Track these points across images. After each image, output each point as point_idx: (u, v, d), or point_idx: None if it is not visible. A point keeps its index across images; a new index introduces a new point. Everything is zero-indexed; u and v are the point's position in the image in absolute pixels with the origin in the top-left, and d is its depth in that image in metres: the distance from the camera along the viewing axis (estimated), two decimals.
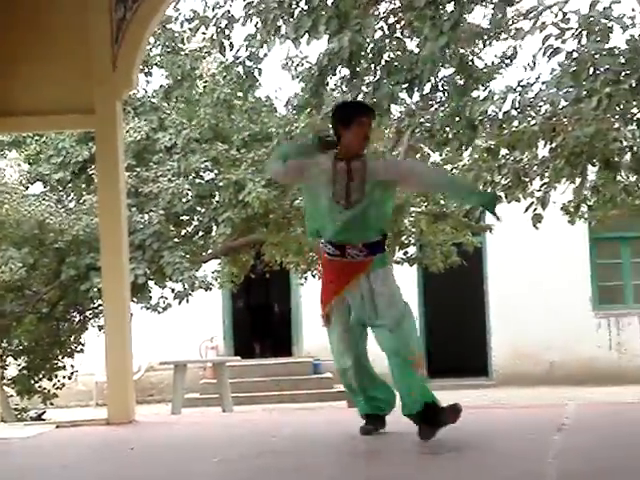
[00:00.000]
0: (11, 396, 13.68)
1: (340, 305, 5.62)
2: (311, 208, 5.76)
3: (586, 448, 5.11)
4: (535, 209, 9.00)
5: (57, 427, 7.17)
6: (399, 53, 8.72)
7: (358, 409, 5.93)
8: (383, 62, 8.61)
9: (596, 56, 8.49)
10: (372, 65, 8.74)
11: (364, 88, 8.94)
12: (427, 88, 9.19)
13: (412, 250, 14.35)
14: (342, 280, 5.55)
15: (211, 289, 13.68)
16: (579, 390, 16.14)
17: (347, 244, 5.53)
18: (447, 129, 9.46)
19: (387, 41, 8.71)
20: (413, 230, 13.71)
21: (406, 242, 13.73)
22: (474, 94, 9.45)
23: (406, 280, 17.51)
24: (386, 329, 5.48)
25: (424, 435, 5.37)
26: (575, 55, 8.58)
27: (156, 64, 13.88)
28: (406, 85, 8.52)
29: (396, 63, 8.62)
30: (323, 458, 5.13)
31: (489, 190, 8.93)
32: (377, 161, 6.31)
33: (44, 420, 12.49)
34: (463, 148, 9.45)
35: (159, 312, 13.48)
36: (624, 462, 4.57)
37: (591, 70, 8.55)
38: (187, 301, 13.34)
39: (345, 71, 9.42)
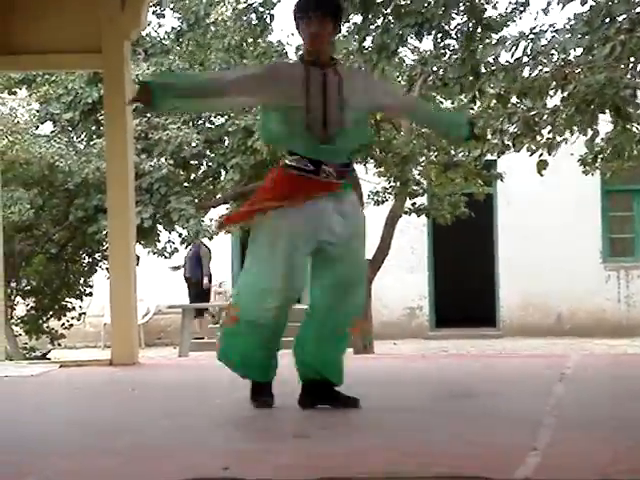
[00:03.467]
0: (19, 335, 13.77)
1: (295, 217, 4.54)
2: (277, 124, 4.66)
3: (584, 397, 5.16)
4: (541, 154, 8.86)
5: (61, 366, 7.20)
6: None
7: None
8: (393, 5, 8.48)
9: (611, 3, 8.37)
10: (382, 9, 8.61)
11: (373, 31, 8.82)
12: (438, 34, 9.08)
13: (420, 201, 14.26)
14: (302, 194, 4.56)
15: (213, 238, 13.64)
16: (586, 342, 16.16)
17: (324, 161, 4.61)
18: (458, 78, 9.36)
19: None
20: (423, 180, 13.64)
21: (415, 192, 13.65)
22: (486, 42, 9.34)
23: (415, 229, 17.57)
24: (343, 264, 4.63)
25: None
26: (590, 2, 8.46)
27: (169, 7, 13.77)
28: (416, 29, 8.40)
29: (406, 7, 8.50)
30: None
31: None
32: (355, 74, 5.32)
33: (49, 359, 12.55)
34: (476, 95, 9.32)
35: (166, 257, 13.50)
36: (618, 412, 4.59)
37: (606, 18, 8.43)
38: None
39: (358, 18, 9.31)
